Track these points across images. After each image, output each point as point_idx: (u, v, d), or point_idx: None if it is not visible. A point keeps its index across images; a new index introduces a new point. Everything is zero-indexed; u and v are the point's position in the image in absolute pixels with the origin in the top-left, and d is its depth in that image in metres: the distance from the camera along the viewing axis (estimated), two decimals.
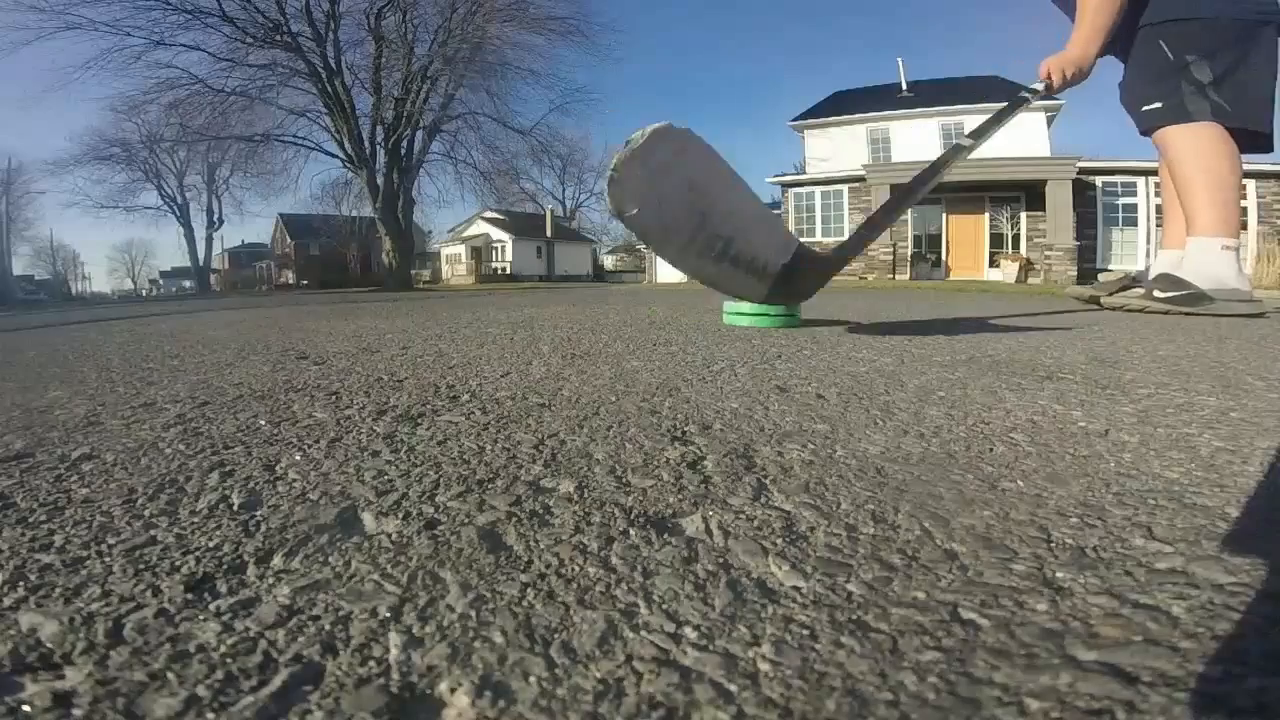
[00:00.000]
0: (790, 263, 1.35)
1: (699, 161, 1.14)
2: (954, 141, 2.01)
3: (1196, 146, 2.03)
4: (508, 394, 0.84)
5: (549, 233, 28.76)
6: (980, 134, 1.98)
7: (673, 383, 0.90)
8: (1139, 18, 2.17)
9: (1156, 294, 2.07)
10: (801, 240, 1.50)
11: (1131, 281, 2.29)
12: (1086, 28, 2.05)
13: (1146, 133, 2.15)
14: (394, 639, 0.29)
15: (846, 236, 1.79)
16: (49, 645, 0.29)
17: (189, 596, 0.33)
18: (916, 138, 14.75)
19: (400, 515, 0.43)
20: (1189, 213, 2.08)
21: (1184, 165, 2.06)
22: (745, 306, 1.63)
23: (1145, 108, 2.10)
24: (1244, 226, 11.98)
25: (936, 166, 1.85)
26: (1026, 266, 13.12)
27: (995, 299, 3.89)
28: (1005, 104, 2.13)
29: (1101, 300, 2.34)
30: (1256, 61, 2.04)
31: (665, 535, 0.40)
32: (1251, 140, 2.11)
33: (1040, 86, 2.13)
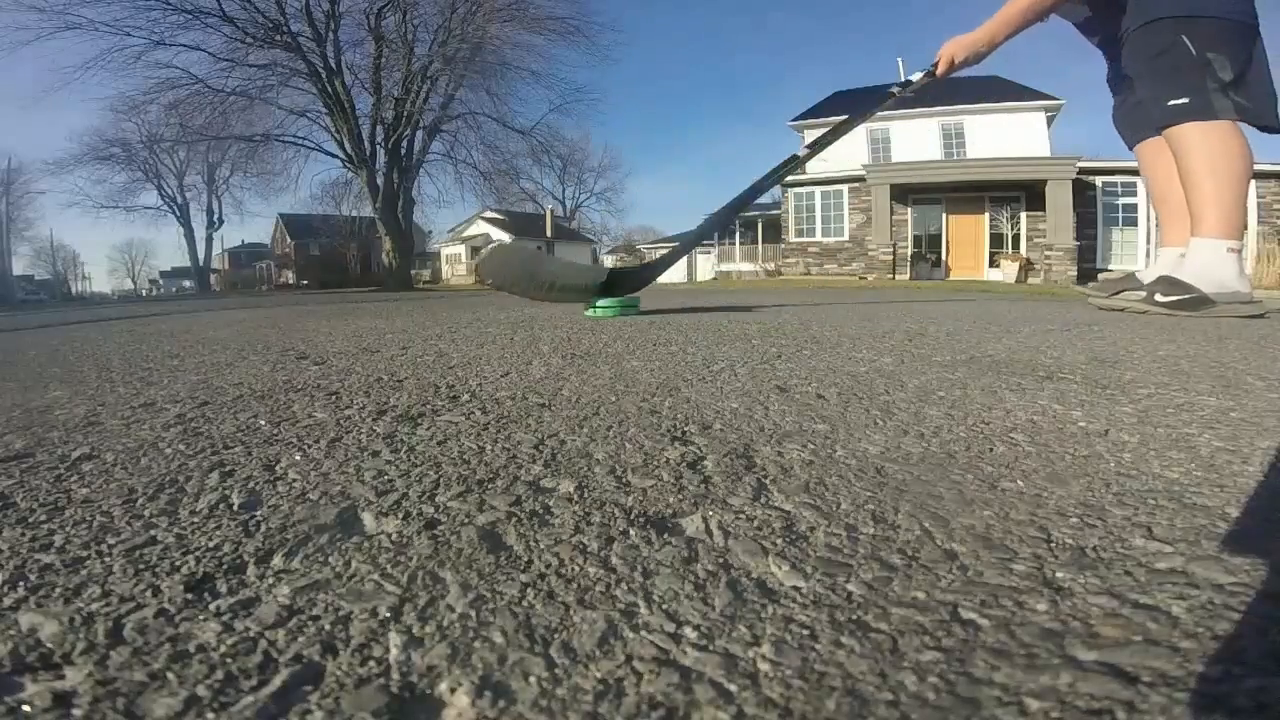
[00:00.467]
0: (606, 280, 2.13)
1: (524, 252, 2.55)
2: (800, 153, 2.59)
3: (1212, 145, 2.00)
4: (508, 394, 0.84)
5: (549, 233, 28.73)
6: (820, 146, 2.51)
7: (673, 383, 0.90)
8: (1118, 12, 2.17)
9: (1158, 297, 2.06)
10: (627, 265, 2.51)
11: (1131, 282, 2.29)
12: (1002, 14, 2.20)
13: (1163, 128, 2.10)
14: (394, 639, 0.29)
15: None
16: (49, 645, 0.29)
17: (189, 596, 0.33)
18: (916, 138, 14.76)
19: (400, 515, 0.43)
20: (1196, 211, 2.05)
21: (1196, 163, 2.02)
22: (600, 305, 2.21)
23: (1170, 102, 2.03)
24: (1245, 226, 11.97)
25: (773, 174, 2.43)
26: (1026, 266, 13.12)
27: (994, 298, 3.89)
28: (876, 99, 2.51)
29: (1101, 302, 2.33)
30: (1258, 63, 2.05)
31: (665, 535, 0.40)
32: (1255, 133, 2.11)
33: (917, 77, 2.38)
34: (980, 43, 2.29)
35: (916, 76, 2.44)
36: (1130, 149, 2.44)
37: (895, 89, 2.46)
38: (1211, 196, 2.00)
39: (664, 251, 2.53)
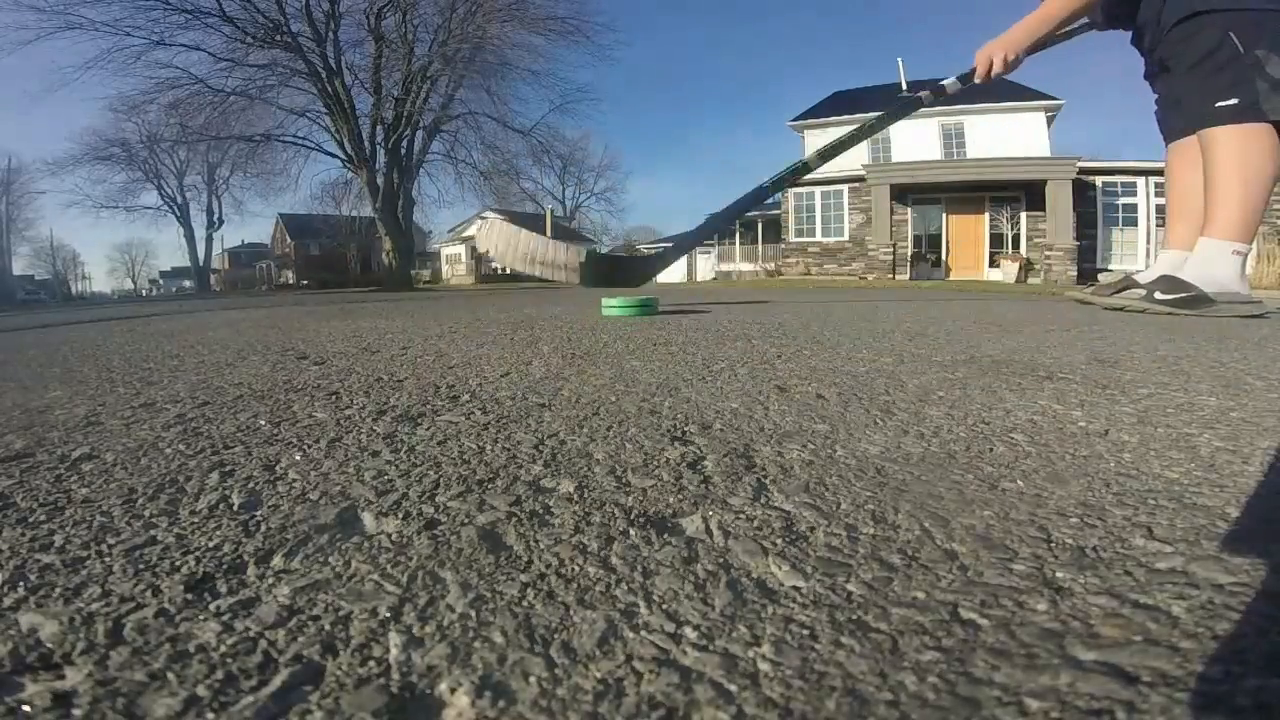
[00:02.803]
0: (585, 261, 2.23)
1: (510, 229, 2.34)
2: (810, 160, 2.52)
3: (1250, 148, 1.92)
4: (508, 394, 0.84)
5: (549, 233, 28.73)
6: (831, 152, 2.42)
7: (673, 382, 0.90)
8: (1146, 4, 2.10)
9: (1158, 296, 2.07)
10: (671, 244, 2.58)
11: (1130, 282, 2.29)
12: (1022, 27, 2.11)
13: (1205, 128, 2.02)
14: (394, 639, 0.29)
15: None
16: (49, 645, 0.29)
17: (189, 596, 0.33)
18: (916, 138, 14.75)
19: (400, 515, 0.43)
20: (1212, 209, 2.00)
21: (1228, 164, 1.95)
22: (614, 303, 2.31)
23: (1220, 104, 1.94)
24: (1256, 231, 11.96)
25: (779, 181, 2.52)
26: (1026, 266, 13.12)
27: (994, 298, 3.89)
28: (901, 100, 2.38)
29: (1101, 302, 2.33)
30: None
31: (665, 535, 0.40)
32: None
33: (952, 82, 2.27)
34: (1017, 44, 2.17)
35: (950, 80, 2.33)
36: (1166, 144, 2.33)
37: (924, 94, 2.34)
38: (1235, 198, 1.94)
39: (664, 248, 2.61)
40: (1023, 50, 2.20)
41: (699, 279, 19.03)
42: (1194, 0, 1.97)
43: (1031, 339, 1.38)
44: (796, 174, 2.57)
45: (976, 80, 2.30)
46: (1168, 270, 2.13)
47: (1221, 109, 1.94)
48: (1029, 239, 13.69)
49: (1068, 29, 2.24)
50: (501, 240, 2.33)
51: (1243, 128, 1.92)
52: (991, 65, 2.23)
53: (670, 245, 2.62)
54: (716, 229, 2.58)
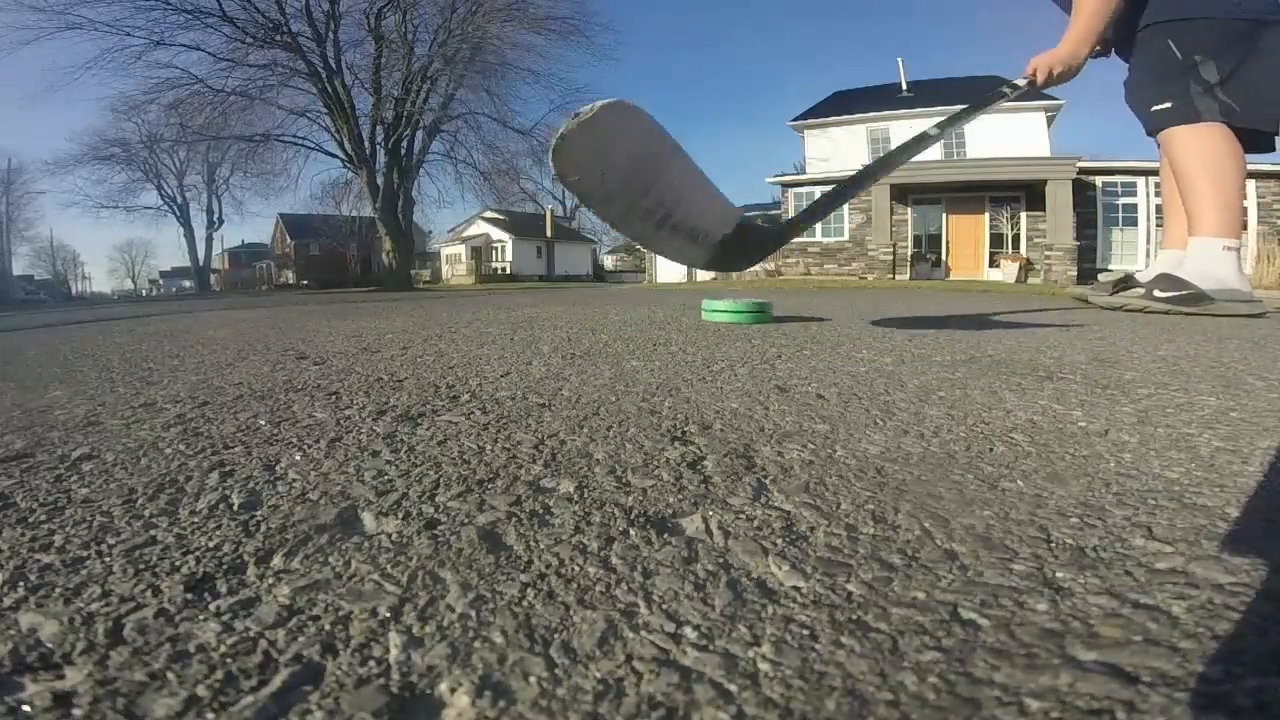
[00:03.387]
0: (731, 234, 1.44)
1: (646, 136, 1.17)
2: (931, 131, 2.05)
3: (1201, 147, 2.01)
4: (508, 394, 0.84)
5: (549, 233, 28.75)
6: (950, 124, 2.08)
7: (673, 383, 0.90)
8: (1139, 17, 2.14)
9: (1157, 294, 2.07)
10: (753, 218, 1.66)
11: (1130, 281, 2.29)
12: (1080, 28, 2.05)
13: (1153, 133, 2.13)
14: (394, 639, 0.29)
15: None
16: (49, 645, 0.29)
17: (189, 596, 0.33)
18: None
19: (400, 515, 0.43)
20: (1191, 213, 2.07)
21: (1188, 165, 2.04)
22: (720, 305, 1.86)
23: (1155, 108, 2.07)
24: (1244, 226, 12.00)
25: (905, 149, 2.05)
26: (1026, 266, 13.12)
27: (994, 298, 3.89)
28: (984, 97, 2.14)
29: (1101, 301, 2.34)
30: (1264, 60, 2.00)
31: (665, 535, 0.40)
32: (1255, 140, 2.09)
33: (1023, 82, 2.12)
34: (1076, 56, 2.10)
35: (1022, 81, 2.20)
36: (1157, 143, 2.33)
37: (1007, 88, 2.17)
38: (1206, 197, 2.01)
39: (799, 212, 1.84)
40: (1069, 66, 2.12)
41: (699, 279, 19.04)
42: (1148, 14, 2.08)
43: (1031, 339, 1.38)
44: (920, 144, 2.14)
45: (1038, 84, 2.19)
46: (1166, 269, 2.15)
47: (1158, 112, 2.05)
48: (1029, 239, 13.68)
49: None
50: (616, 168, 1.14)
51: (1189, 127, 2.00)
52: (1050, 74, 2.13)
53: (818, 200, 1.75)
54: (860, 187, 1.99)
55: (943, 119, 2.10)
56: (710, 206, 1.39)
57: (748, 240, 1.51)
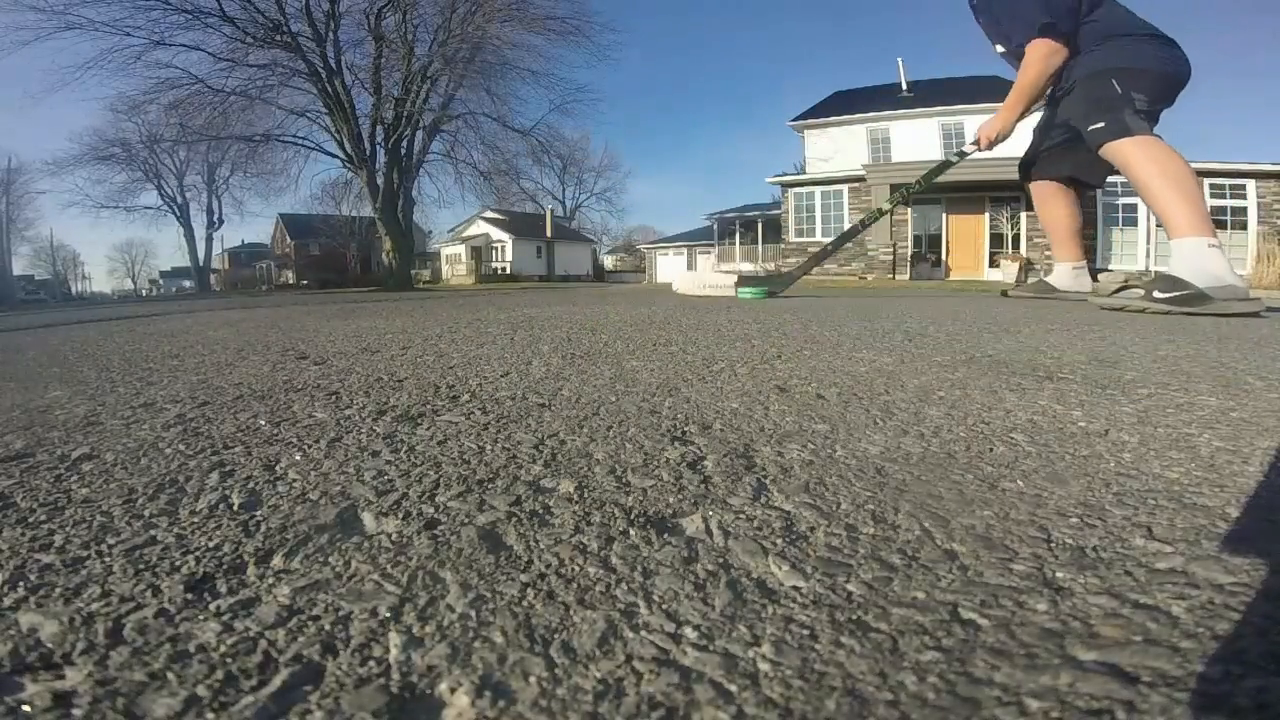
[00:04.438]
0: (736, 282, 3.24)
1: (691, 274, 4.23)
2: (951, 157, 3.32)
3: (1152, 154, 2.25)
4: (508, 394, 0.84)
5: (549, 233, 28.76)
6: (922, 184, 3.50)
7: (673, 383, 0.90)
8: (1067, 75, 2.57)
9: (1156, 294, 2.07)
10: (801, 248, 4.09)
11: (1130, 282, 2.31)
12: (1012, 104, 2.72)
13: (1095, 149, 2.43)
14: (394, 639, 0.29)
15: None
16: (49, 645, 0.29)
17: (189, 596, 0.33)
18: (916, 137, 14.74)
19: (400, 515, 0.43)
20: (1165, 217, 2.22)
21: (1145, 172, 2.26)
22: (746, 290, 2.98)
23: (1090, 127, 2.42)
24: (1243, 226, 12.01)
25: (863, 224, 3.79)
26: (1027, 266, 13.11)
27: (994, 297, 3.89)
28: (943, 160, 3.29)
29: (1101, 301, 2.34)
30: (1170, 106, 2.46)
31: (665, 535, 0.40)
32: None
33: (970, 146, 3.10)
34: (1009, 124, 2.85)
35: (969, 146, 3.14)
36: (1024, 187, 3.10)
37: (962, 151, 3.23)
38: (1172, 199, 2.19)
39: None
40: (1003, 133, 2.93)
41: None
42: (1099, 64, 2.46)
43: (1031, 339, 1.38)
44: (943, 168, 3.43)
45: (980, 148, 3.07)
46: (1063, 278, 2.75)
47: (1094, 130, 2.40)
48: (1029, 239, 13.67)
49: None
50: (688, 281, 3.94)
51: (1134, 139, 2.29)
52: (993, 139, 2.96)
53: (799, 264, 3.71)
54: (860, 231, 3.68)
55: (916, 181, 3.48)
56: (728, 279, 3.32)
57: (756, 280, 3.32)
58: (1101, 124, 2.37)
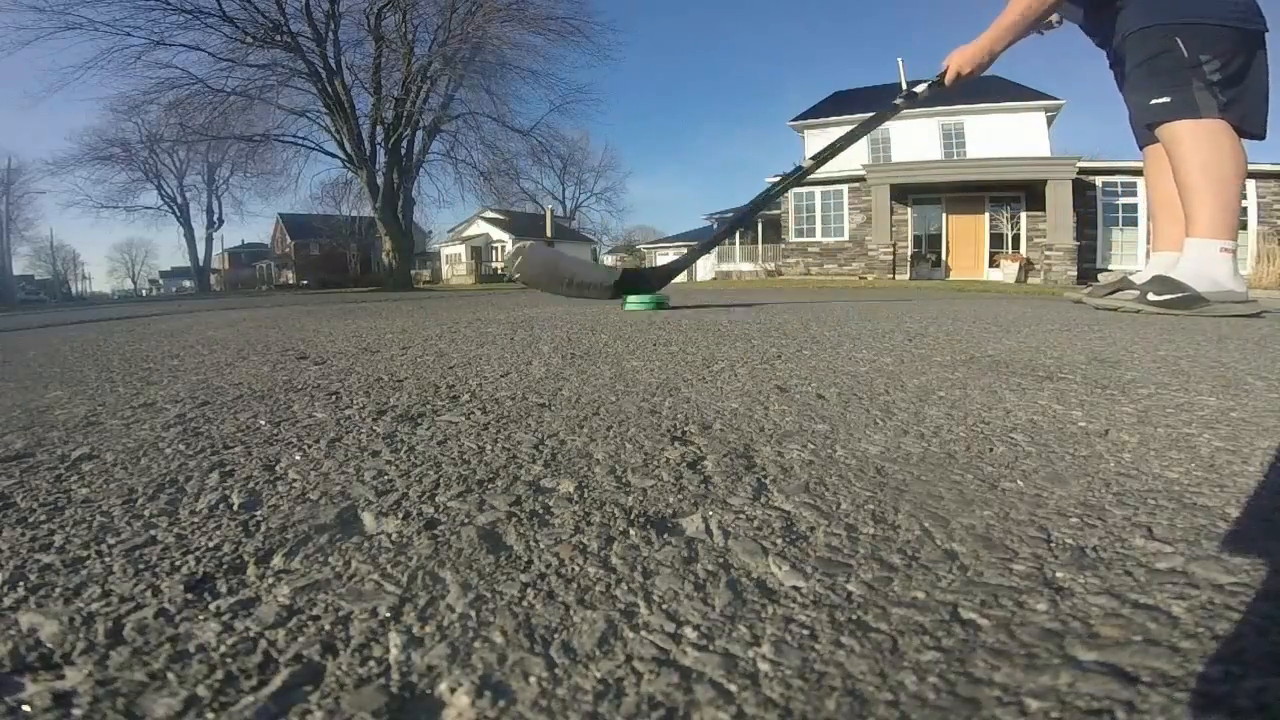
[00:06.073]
0: (619, 279, 2.57)
1: (547, 252, 2.77)
2: (805, 164, 2.96)
3: (1202, 143, 2.03)
4: (508, 394, 0.84)
5: (549, 232, 28.71)
6: (824, 156, 2.74)
7: (673, 383, 0.90)
8: (1110, 14, 2.22)
9: (1151, 296, 2.07)
10: (679, 258, 3.03)
11: (1126, 283, 2.29)
12: (988, 35, 2.29)
13: (1151, 127, 2.15)
14: (394, 639, 0.29)
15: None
16: (49, 645, 0.29)
17: (189, 596, 0.33)
18: (916, 137, 14.75)
19: (400, 515, 0.43)
20: (1189, 212, 2.08)
21: (1188, 163, 2.05)
22: (632, 300, 2.45)
23: (1154, 101, 2.10)
24: (1244, 226, 12.02)
25: (767, 195, 3.03)
26: (1026, 266, 13.13)
27: (995, 298, 3.89)
28: (881, 111, 2.67)
29: (1095, 303, 2.33)
30: (1256, 69, 2.07)
31: (665, 535, 0.40)
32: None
33: (923, 86, 2.49)
34: (982, 52, 2.35)
35: (921, 87, 2.51)
36: (1140, 150, 2.44)
37: (899, 100, 2.56)
38: (1204, 196, 2.03)
39: (671, 254, 3.05)
40: (976, 64, 2.38)
41: (699, 279, 19.03)
42: (1150, 14, 2.11)
43: (1031, 339, 1.38)
44: (795, 177, 2.96)
45: (946, 84, 2.47)
46: (1161, 271, 2.16)
47: (1158, 105, 2.08)
48: (1029, 239, 13.68)
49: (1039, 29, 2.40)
50: (540, 267, 2.58)
51: (1190, 123, 2.02)
52: (959, 74, 2.42)
53: (684, 253, 3.10)
54: (723, 238, 3.20)
55: (823, 148, 2.73)
56: (596, 272, 2.70)
57: (637, 279, 2.63)
58: (1167, 100, 2.05)
